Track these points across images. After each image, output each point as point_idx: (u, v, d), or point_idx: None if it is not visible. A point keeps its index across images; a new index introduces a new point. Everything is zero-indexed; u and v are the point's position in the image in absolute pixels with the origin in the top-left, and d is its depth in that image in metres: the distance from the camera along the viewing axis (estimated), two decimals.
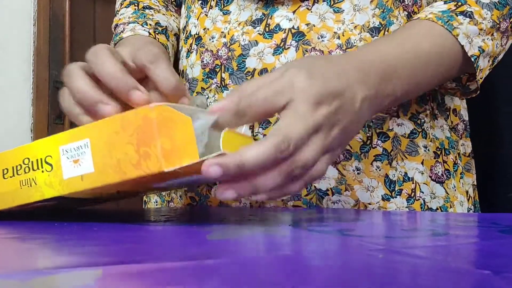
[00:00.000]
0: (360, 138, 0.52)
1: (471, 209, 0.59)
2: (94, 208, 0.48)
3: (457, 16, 0.48)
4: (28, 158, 0.35)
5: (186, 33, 0.60)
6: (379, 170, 0.52)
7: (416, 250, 0.25)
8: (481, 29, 0.48)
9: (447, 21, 0.47)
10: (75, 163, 0.33)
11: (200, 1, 0.58)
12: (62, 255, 0.24)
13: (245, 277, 0.18)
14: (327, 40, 0.52)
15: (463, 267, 0.20)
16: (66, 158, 0.33)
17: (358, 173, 0.52)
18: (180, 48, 0.62)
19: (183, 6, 0.64)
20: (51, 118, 2.12)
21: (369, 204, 0.51)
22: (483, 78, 0.51)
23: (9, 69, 1.99)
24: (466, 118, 0.61)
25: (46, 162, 0.34)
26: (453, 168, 0.57)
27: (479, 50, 0.48)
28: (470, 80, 0.52)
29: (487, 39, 0.49)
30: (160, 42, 0.58)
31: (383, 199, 0.52)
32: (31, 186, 0.35)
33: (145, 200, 0.66)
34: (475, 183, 0.60)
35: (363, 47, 0.46)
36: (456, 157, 0.58)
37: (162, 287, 0.17)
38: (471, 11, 0.48)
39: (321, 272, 0.20)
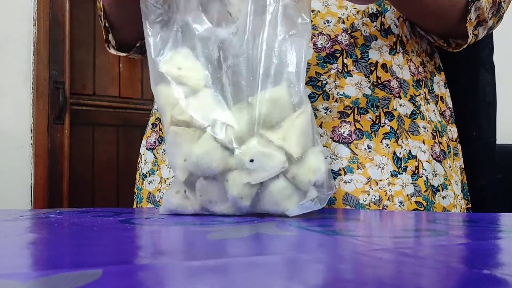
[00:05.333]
0: (370, 118, 0.55)
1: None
2: (94, 208, 0.48)
3: None
4: None
5: None
6: (388, 147, 0.55)
7: (415, 250, 0.25)
8: None
9: None
10: None
11: None
12: (62, 255, 0.24)
13: (245, 277, 0.18)
14: (333, 25, 0.55)
15: (462, 267, 0.20)
16: None
17: (369, 151, 0.54)
18: None
19: None
20: (51, 118, 2.12)
21: (380, 180, 0.54)
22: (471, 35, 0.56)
23: (9, 69, 1.99)
24: (451, 106, 0.65)
25: None
26: (447, 149, 0.60)
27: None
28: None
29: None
30: None
31: (391, 175, 0.54)
32: None
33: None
34: (463, 166, 0.64)
35: None
36: (448, 139, 0.61)
37: (162, 287, 0.17)
38: None
39: (318, 273, 0.20)
